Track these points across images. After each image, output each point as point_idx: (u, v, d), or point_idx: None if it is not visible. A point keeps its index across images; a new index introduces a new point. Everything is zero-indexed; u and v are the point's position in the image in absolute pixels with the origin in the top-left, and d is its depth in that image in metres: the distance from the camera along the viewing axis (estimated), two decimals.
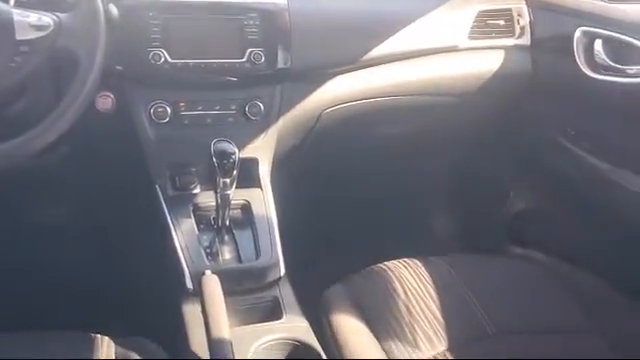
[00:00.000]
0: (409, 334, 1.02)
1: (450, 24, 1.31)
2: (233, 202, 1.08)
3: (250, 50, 1.13)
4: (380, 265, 1.15)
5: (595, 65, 1.22)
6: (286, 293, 1.09)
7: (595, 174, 1.28)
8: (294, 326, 1.02)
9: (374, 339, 1.02)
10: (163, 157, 1.17)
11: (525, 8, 1.36)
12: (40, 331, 0.94)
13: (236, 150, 1.03)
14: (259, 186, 1.20)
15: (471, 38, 1.33)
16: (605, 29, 1.19)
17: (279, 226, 1.14)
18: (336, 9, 1.26)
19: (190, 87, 1.15)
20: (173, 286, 1.08)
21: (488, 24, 1.34)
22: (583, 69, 1.23)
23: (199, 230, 1.11)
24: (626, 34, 1.14)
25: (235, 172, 1.02)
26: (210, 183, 1.09)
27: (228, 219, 1.09)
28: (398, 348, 1.00)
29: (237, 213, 1.15)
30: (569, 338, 1.04)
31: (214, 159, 1.02)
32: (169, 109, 1.13)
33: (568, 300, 1.11)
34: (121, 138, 1.15)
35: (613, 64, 1.19)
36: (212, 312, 0.89)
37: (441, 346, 1.00)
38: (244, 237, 1.12)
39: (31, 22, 0.91)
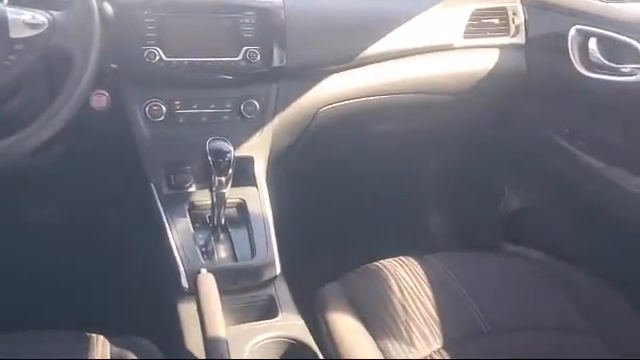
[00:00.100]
0: (405, 332, 1.02)
1: (445, 23, 1.31)
2: (228, 201, 1.08)
3: (245, 48, 1.13)
4: (376, 263, 1.15)
5: (590, 64, 1.22)
6: (282, 291, 1.09)
7: (590, 172, 1.29)
8: (290, 324, 1.02)
9: (370, 337, 1.02)
10: (158, 155, 1.16)
11: (520, 7, 1.37)
12: (35, 330, 0.94)
13: (231, 149, 1.03)
14: (255, 185, 1.20)
15: (466, 37, 1.33)
16: (599, 28, 1.19)
17: (274, 225, 1.14)
18: (332, 7, 1.26)
19: (185, 85, 1.15)
20: (168, 285, 1.08)
21: (483, 23, 1.34)
22: (578, 68, 1.23)
23: (194, 229, 1.11)
24: (621, 33, 1.15)
25: (230, 171, 1.02)
26: (205, 182, 1.09)
27: (224, 218, 1.09)
28: (394, 346, 1.00)
29: (233, 212, 1.15)
30: (565, 336, 1.04)
31: (209, 157, 1.02)
32: (164, 107, 1.13)
33: (563, 298, 1.11)
34: (116, 137, 1.15)
35: (607, 63, 1.19)
36: (208, 311, 0.89)
37: (436, 344, 1.01)
38: (240, 236, 1.12)
39: (25, 20, 0.91)
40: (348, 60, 1.25)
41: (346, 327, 1.03)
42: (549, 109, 1.39)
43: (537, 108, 1.41)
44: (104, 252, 1.46)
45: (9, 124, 0.92)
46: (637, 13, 1.17)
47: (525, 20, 1.36)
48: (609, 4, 1.23)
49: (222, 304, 0.91)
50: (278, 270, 1.09)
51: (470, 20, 1.33)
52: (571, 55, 1.24)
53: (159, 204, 1.13)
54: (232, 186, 1.05)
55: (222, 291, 0.94)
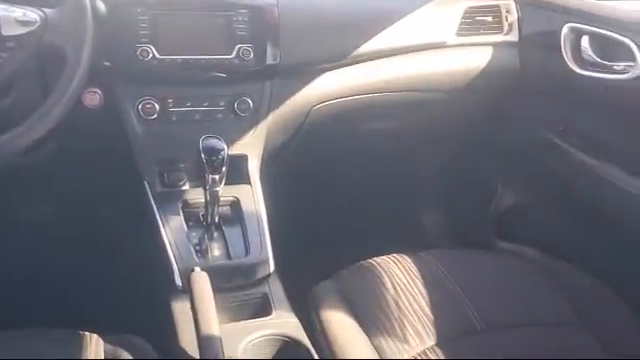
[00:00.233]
0: (398, 329, 1.02)
1: (438, 20, 1.32)
2: (222, 199, 1.08)
3: (239, 46, 1.13)
4: (369, 261, 1.15)
5: (582, 61, 1.23)
6: (275, 289, 1.09)
7: (583, 170, 1.29)
8: (284, 322, 1.02)
9: (363, 334, 1.02)
10: (151, 153, 1.16)
11: (513, 5, 1.37)
12: (28, 329, 0.94)
13: (225, 146, 1.03)
14: (248, 183, 1.20)
15: (459, 35, 1.33)
16: (592, 25, 1.19)
17: (268, 222, 1.14)
18: (325, 5, 1.26)
19: (178, 83, 1.14)
20: (162, 283, 1.08)
21: (476, 20, 1.35)
22: (570, 65, 1.23)
23: (188, 227, 1.11)
24: (613, 31, 1.15)
25: (224, 169, 1.02)
26: (199, 180, 1.09)
27: (217, 216, 1.09)
28: (387, 343, 1.00)
29: (226, 210, 1.15)
30: (558, 333, 1.04)
31: (203, 155, 1.02)
32: (157, 105, 1.13)
33: (557, 295, 1.12)
34: (109, 135, 1.15)
35: (600, 60, 1.20)
36: (201, 309, 0.89)
37: (430, 341, 1.01)
38: (233, 234, 1.12)
39: (17, 17, 0.90)
40: (342, 58, 1.25)
41: (340, 324, 1.03)
42: (542, 107, 1.39)
43: (530, 106, 1.42)
44: (97, 250, 1.45)
45: (1, 122, 0.92)
46: (630, 11, 1.18)
47: (518, 18, 1.37)
48: (602, 2, 1.24)
49: (216, 302, 0.92)
50: (272, 268, 1.09)
51: (463, 18, 1.33)
52: (564, 53, 1.24)
53: (152, 202, 1.13)
54: (226, 184, 1.05)
55: (216, 289, 0.94)
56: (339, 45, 1.24)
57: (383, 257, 1.16)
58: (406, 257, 1.16)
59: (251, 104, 1.18)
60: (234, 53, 1.12)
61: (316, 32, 1.22)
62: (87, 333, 0.94)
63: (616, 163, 1.23)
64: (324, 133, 1.34)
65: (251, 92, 1.18)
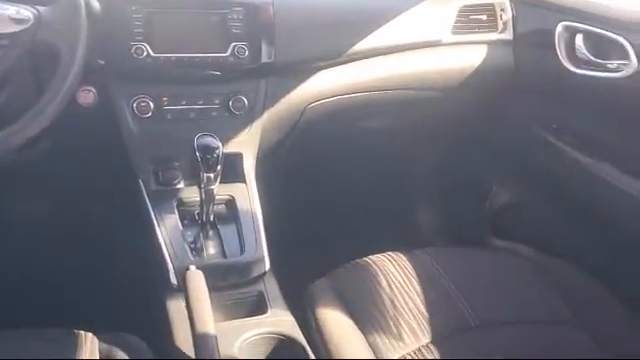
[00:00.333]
0: (393, 327, 1.02)
1: (433, 19, 1.32)
2: (217, 197, 1.08)
3: (234, 44, 1.12)
4: (365, 259, 1.16)
5: (576, 60, 1.23)
6: (271, 288, 1.09)
7: (577, 168, 1.30)
8: (279, 320, 1.02)
9: (359, 332, 1.02)
10: (146, 152, 1.16)
11: (508, 3, 1.37)
12: (23, 329, 0.93)
13: (220, 145, 1.03)
14: (243, 181, 1.20)
15: (454, 33, 1.33)
16: (586, 24, 1.20)
17: (264, 221, 1.14)
18: (320, 4, 1.26)
19: (173, 81, 1.14)
20: (157, 282, 1.08)
21: (471, 19, 1.35)
22: (565, 64, 1.24)
23: (183, 225, 1.11)
24: (607, 29, 1.15)
25: (219, 167, 1.02)
26: (194, 178, 1.08)
27: (212, 214, 1.09)
28: (383, 341, 1.00)
29: (221, 208, 1.15)
30: (552, 330, 1.05)
31: (198, 154, 1.01)
32: (152, 104, 1.12)
33: (551, 293, 1.12)
34: (103, 133, 1.14)
35: (594, 59, 1.20)
36: (197, 307, 0.89)
37: (425, 339, 1.01)
38: (228, 232, 1.12)
39: (10, 15, 0.90)
40: (336, 56, 1.25)
41: (335, 322, 1.03)
42: (537, 105, 1.40)
43: (525, 104, 1.42)
44: (92, 249, 1.45)
45: None
46: (624, 10, 1.18)
47: (513, 16, 1.37)
48: (596, 0, 1.24)
49: (211, 300, 0.91)
50: (267, 266, 1.09)
51: (458, 16, 1.33)
52: (558, 51, 1.24)
53: (147, 201, 1.13)
54: (221, 182, 1.05)
55: (211, 288, 0.94)
56: (334, 43, 1.24)
57: (378, 255, 1.16)
58: (401, 255, 1.16)
59: (246, 102, 1.18)
60: (229, 51, 1.12)
61: (311, 30, 1.22)
62: (82, 332, 0.94)
63: (610, 161, 1.23)
64: (319, 131, 1.34)
65: (246, 90, 1.18)
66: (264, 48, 1.15)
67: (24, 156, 1.07)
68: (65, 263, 1.42)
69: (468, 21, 1.34)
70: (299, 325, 1.02)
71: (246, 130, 1.20)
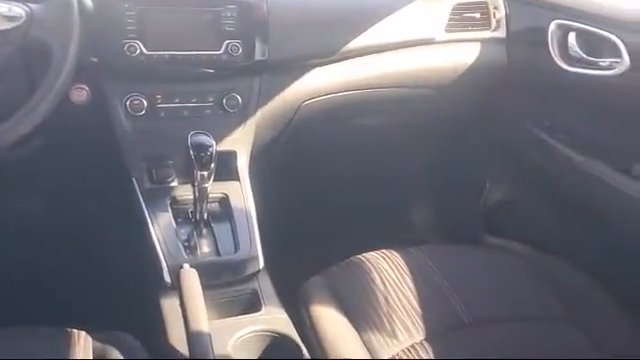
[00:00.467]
0: (387, 324, 1.03)
1: (427, 17, 1.32)
2: (211, 195, 1.07)
3: (227, 42, 1.12)
4: (359, 257, 1.16)
5: (569, 58, 1.23)
6: (265, 285, 1.09)
7: (570, 166, 1.30)
8: (273, 318, 1.02)
9: (353, 330, 1.02)
10: (139, 150, 1.15)
11: (501, 1, 1.38)
12: (16, 327, 0.93)
13: (213, 143, 1.03)
14: (237, 179, 1.20)
15: (448, 31, 1.33)
16: (579, 22, 1.20)
17: (257, 219, 1.14)
18: (314, 1, 1.26)
19: (166, 79, 1.14)
20: (151, 280, 1.07)
21: (464, 17, 1.35)
22: (558, 62, 1.24)
23: (177, 224, 1.10)
24: (600, 27, 1.16)
25: (213, 165, 1.02)
26: (188, 176, 1.08)
27: (206, 212, 1.08)
28: (376, 338, 1.00)
29: (215, 206, 1.15)
30: (546, 328, 1.05)
31: (191, 152, 1.01)
32: (145, 102, 1.12)
33: (545, 290, 1.13)
34: (97, 131, 1.14)
35: (586, 57, 1.20)
36: (190, 306, 0.89)
37: (419, 336, 1.01)
38: (222, 230, 1.12)
39: (2, 12, 0.89)
40: (330, 54, 1.25)
41: (329, 320, 1.04)
42: (530, 103, 1.40)
43: (518, 102, 1.42)
44: (85, 247, 1.44)
45: None
46: (616, 8, 1.19)
47: (506, 14, 1.37)
48: None
49: (205, 299, 0.91)
50: (261, 264, 1.09)
51: (451, 14, 1.33)
52: (551, 49, 1.25)
53: (141, 199, 1.12)
54: (214, 180, 1.04)
55: (205, 286, 0.94)
56: (328, 41, 1.24)
57: (372, 253, 1.16)
58: (395, 253, 1.16)
59: (240, 100, 1.17)
60: (222, 49, 1.12)
61: (305, 28, 1.22)
62: (75, 331, 0.93)
63: (603, 159, 1.24)
64: (313, 129, 1.34)
65: (240, 88, 1.18)
66: (258, 46, 1.15)
67: (16, 154, 1.07)
68: (58, 261, 1.41)
69: (461, 19, 1.35)
70: (293, 323, 1.02)
71: (240, 128, 1.20)
